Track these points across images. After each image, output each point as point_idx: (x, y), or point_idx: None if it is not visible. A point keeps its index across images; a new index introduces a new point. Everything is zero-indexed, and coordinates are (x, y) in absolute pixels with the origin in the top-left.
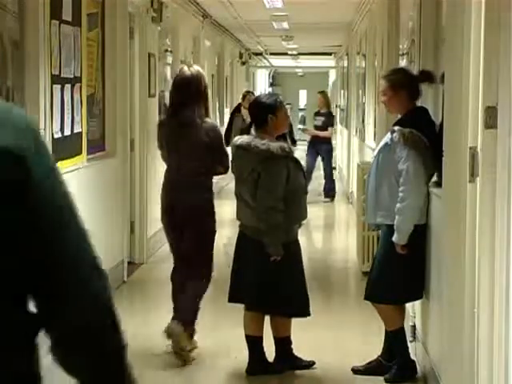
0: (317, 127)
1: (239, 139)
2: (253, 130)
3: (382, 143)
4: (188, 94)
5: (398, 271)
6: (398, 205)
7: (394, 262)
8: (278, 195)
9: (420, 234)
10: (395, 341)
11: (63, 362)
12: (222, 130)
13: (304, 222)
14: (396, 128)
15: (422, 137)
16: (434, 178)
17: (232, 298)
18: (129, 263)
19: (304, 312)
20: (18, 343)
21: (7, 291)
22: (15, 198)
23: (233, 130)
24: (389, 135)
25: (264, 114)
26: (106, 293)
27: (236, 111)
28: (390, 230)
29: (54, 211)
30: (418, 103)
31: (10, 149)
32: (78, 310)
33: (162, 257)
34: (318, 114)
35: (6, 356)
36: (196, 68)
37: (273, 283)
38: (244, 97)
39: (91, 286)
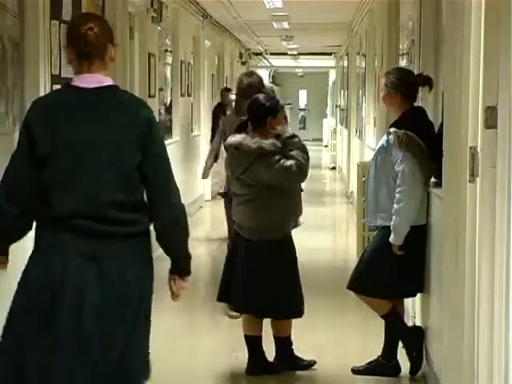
0: None
1: (231, 138)
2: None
3: (379, 145)
4: (254, 94)
5: (391, 269)
6: (394, 205)
7: (388, 260)
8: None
9: (417, 235)
10: (392, 324)
11: (161, 240)
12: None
13: (301, 221)
14: (391, 130)
15: (417, 138)
16: (434, 179)
17: (220, 298)
18: None
19: (298, 312)
20: (145, 227)
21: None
22: (147, 139)
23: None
24: (385, 137)
25: (264, 116)
26: (180, 200)
27: (219, 111)
28: (389, 230)
29: (160, 148)
30: (418, 104)
31: (151, 118)
32: (170, 208)
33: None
34: None
35: (139, 235)
36: (257, 72)
37: (263, 285)
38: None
39: (176, 194)
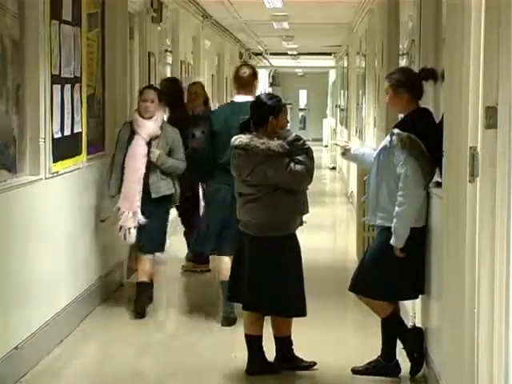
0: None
1: (237, 139)
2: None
3: (381, 145)
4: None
5: (392, 271)
6: (396, 208)
7: (389, 262)
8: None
9: (416, 237)
10: (393, 326)
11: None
12: None
13: (305, 221)
14: (395, 131)
15: (420, 141)
16: (434, 179)
17: (231, 297)
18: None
19: (301, 312)
20: None
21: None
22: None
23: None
24: (388, 138)
25: (265, 115)
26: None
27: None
28: (390, 231)
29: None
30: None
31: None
32: None
33: (162, 259)
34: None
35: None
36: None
37: (268, 282)
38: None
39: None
